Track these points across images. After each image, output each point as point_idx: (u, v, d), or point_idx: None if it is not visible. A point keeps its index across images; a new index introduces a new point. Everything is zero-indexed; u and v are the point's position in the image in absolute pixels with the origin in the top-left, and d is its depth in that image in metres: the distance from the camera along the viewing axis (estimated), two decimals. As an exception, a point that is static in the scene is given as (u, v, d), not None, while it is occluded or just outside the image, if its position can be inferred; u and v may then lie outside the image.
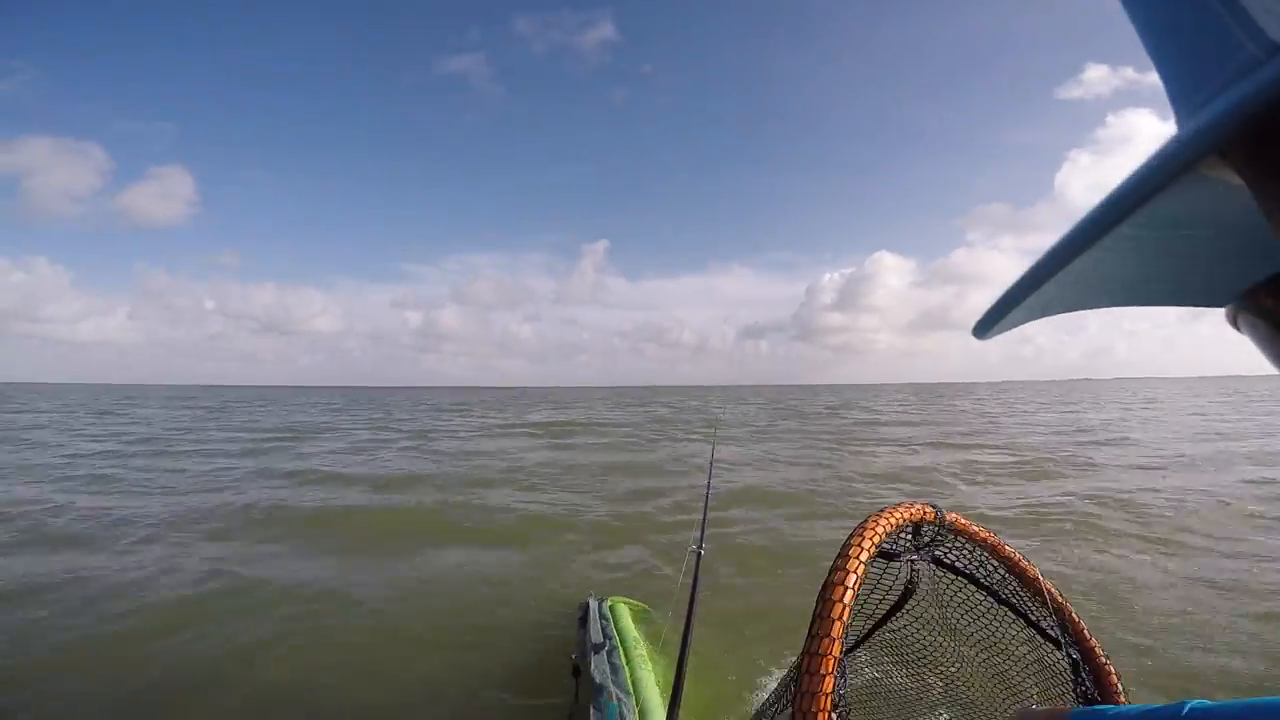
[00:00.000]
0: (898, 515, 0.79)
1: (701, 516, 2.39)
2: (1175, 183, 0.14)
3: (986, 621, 0.99)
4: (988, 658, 1.00)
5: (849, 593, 0.63)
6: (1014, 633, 0.98)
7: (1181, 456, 11.38)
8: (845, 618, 0.61)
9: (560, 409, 35.67)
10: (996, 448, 13.49)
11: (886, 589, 0.93)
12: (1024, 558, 0.97)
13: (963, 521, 0.92)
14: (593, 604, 3.44)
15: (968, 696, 1.04)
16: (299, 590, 4.73)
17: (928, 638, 1.04)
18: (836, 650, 0.58)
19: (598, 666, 2.67)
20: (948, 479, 9.77)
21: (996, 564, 0.97)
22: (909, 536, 0.87)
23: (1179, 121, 0.19)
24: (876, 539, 0.72)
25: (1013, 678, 0.99)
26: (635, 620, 3.32)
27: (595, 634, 3.02)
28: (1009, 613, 0.98)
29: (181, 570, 5.21)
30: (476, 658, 3.54)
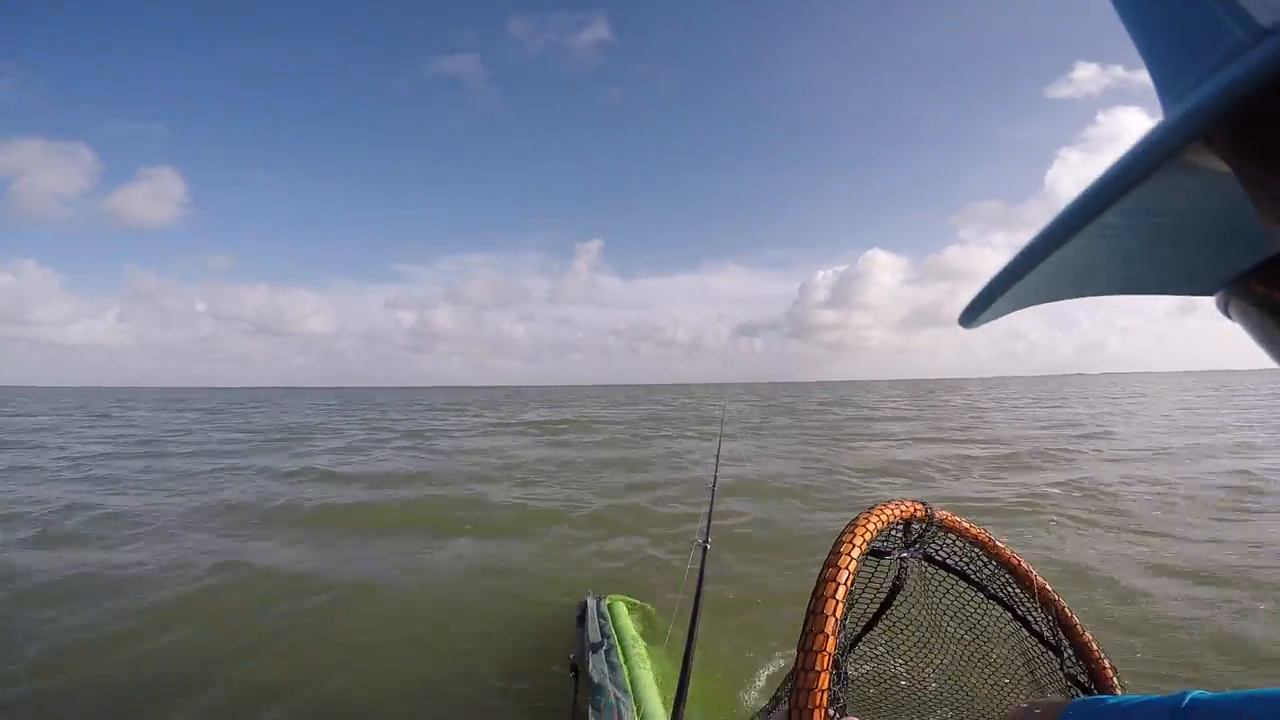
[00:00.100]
0: (888, 513, 0.80)
1: (707, 510, 2.38)
2: (1161, 170, 0.14)
3: (979, 617, 1.00)
4: (983, 652, 1.00)
5: (841, 589, 0.64)
6: (1008, 628, 0.98)
7: (1158, 448, 11.60)
8: (839, 614, 0.61)
9: (555, 408, 35.66)
10: (984, 442, 13.64)
11: (878, 587, 0.94)
12: (1015, 553, 0.97)
13: (953, 518, 0.92)
14: (590, 602, 3.44)
15: (965, 690, 1.05)
16: (298, 588, 4.74)
17: (921, 633, 1.04)
18: (831, 647, 0.59)
19: (596, 665, 2.67)
20: (934, 472, 9.94)
21: (988, 560, 0.97)
22: (900, 534, 0.87)
23: (1165, 109, 0.19)
24: (868, 536, 0.73)
25: (1009, 670, 0.99)
26: (633, 618, 3.32)
27: (593, 633, 3.02)
28: (997, 607, 0.98)
29: (185, 567, 5.24)
30: (475, 656, 3.54)
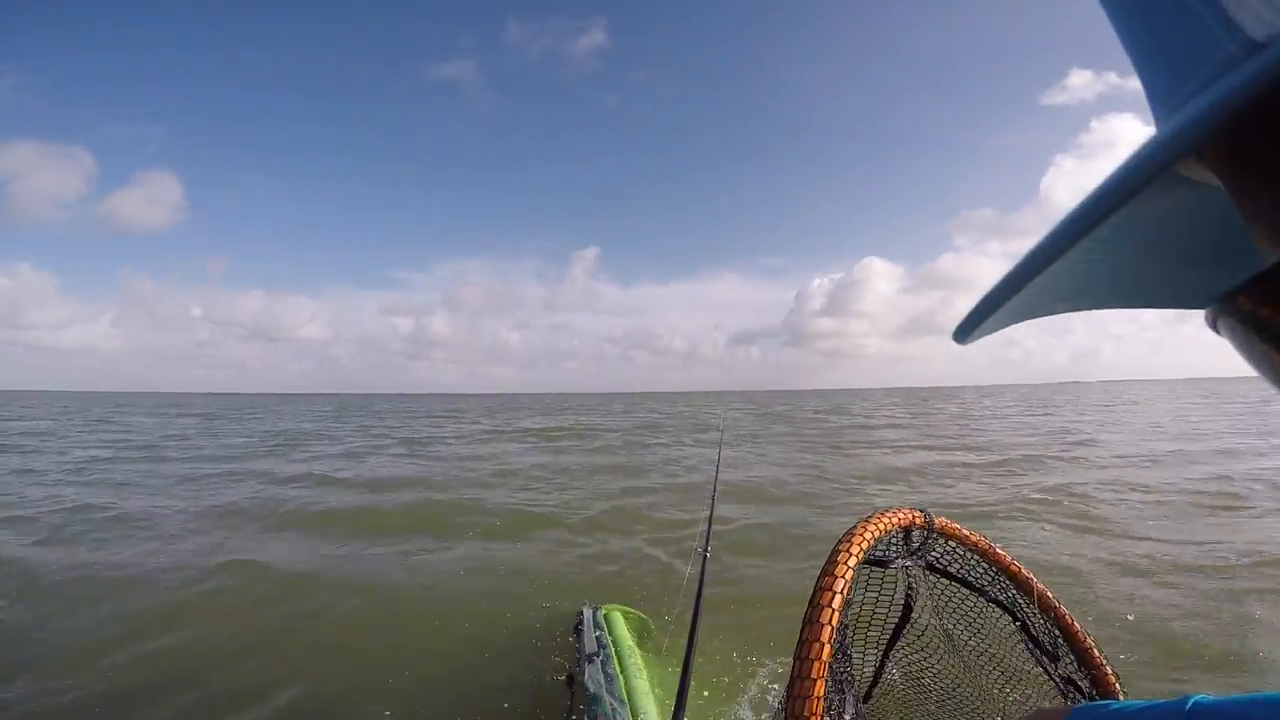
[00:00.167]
0: (885, 521, 0.79)
1: (707, 518, 2.37)
2: (1153, 184, 0.14)
3: (982, 624, 1.00)
4: (989, 658, 1.00)
5: (837, 598, 0.64)
6: (1011, 635, 0.98)
7: (1143, 455, 11.73)
8: (835, 623, 0.61)
9: (551, 415, 35.65)
10: (975, 449, 13.77)
11: (890, 600, 0.93)
12: (1015, 560, 0.97)
13: (953, 526, 0.91)
14: (587, 612, 3.43)
15: (971, 696, 1.04)
16: (296, 591, 4.77)
17: (926, 639, 1.04)
18: (827, 655, 0.59)
19: (592, 676, 2.65)
20: (926, 477, 10.11)
21: (988, 567, 0.97)
22: (900, 542, 0.87)
23: (1158, 122, 0.19)
24: (864, 545, 0.73)
25: (1015, 676, 0.99)
26: (630, 628, 3.31)
27: (590, 643, 3.01)
28: (1002, 614, 0.98)
29: (187, 568, 5.29)
30: (470, 665, 3.53)
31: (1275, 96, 0.13)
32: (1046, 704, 0.93)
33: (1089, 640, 0.92)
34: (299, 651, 3.74)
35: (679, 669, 1.44)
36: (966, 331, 0.27)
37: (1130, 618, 3.94)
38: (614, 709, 2.37)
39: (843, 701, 0.74)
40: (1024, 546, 5.57)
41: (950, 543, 0.93)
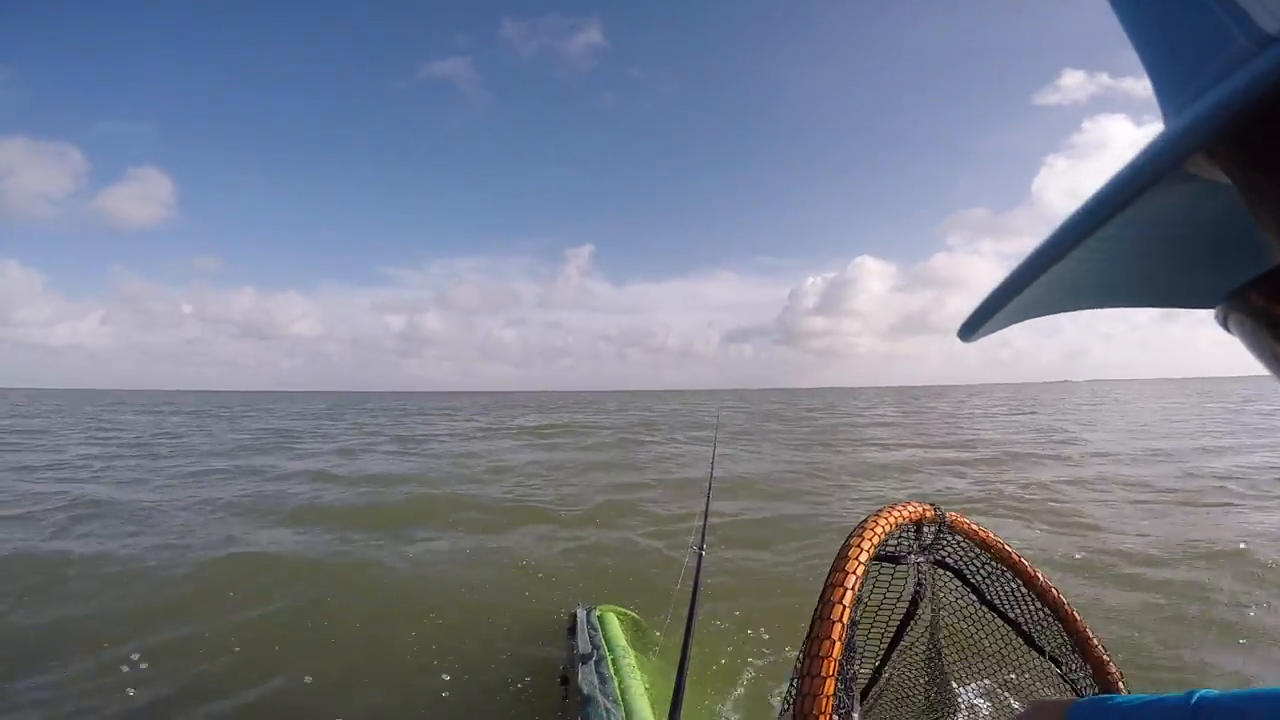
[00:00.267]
0: (896, 515, 0.78)
1: (702, 516, 2.33)
2: (1161, 182, 0.13)
3: (987, 620, 1.00)
4: (994, 654, 1.00)
5: (849, 595, 0.63)
6: (1016, 635, 0.98)
7: (1122, 453, 12.06)
8: (845, 619, 0.61)
9: (545, 413, 35.76)
10: (959, 446, 14.08)
11: (898, 595, 0.92)
12: (1023, 557, 0.97)
13: (963, 521, 0.91)
14: (580, 613, 3.40)
15: (978, 692, 1.05)
16: (293, 585, 4.79)
17: (932, 635, 1.04)
18: (837, 653, 0.58)
19: (585, 677, 2.64)
20: (911, 473, 10.41)
21: (996, 563, 0.97)
22: (911, 538, 0.86)
23: (1167, 119, 0.18)
24: (875, 540, 0.72)
25: (1021, 673, 0.99)
26: (624, 629, 3.29)
27: (583, 644, 3.00)
28: (1006, 603, 0.98)
29: (185, 562, 5.37)
30: (465, 664, 3.51)
31: None
32: (1052, 694, 0.94)
33: (1095, 639, 0.92)
34: (294, 645, 3.78)
35: (674, 666, 1.44)
36: (971, 330, 0.26)
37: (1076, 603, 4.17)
38: (608, 710, 2.36)
39: (851, 700, 0.75)
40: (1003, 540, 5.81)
41: (959, 538, 0.93)
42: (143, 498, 8.36)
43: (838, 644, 0.58)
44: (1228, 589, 4.31)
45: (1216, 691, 0.50)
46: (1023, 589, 0.97)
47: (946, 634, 1.02)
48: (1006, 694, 1.01)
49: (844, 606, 0.61)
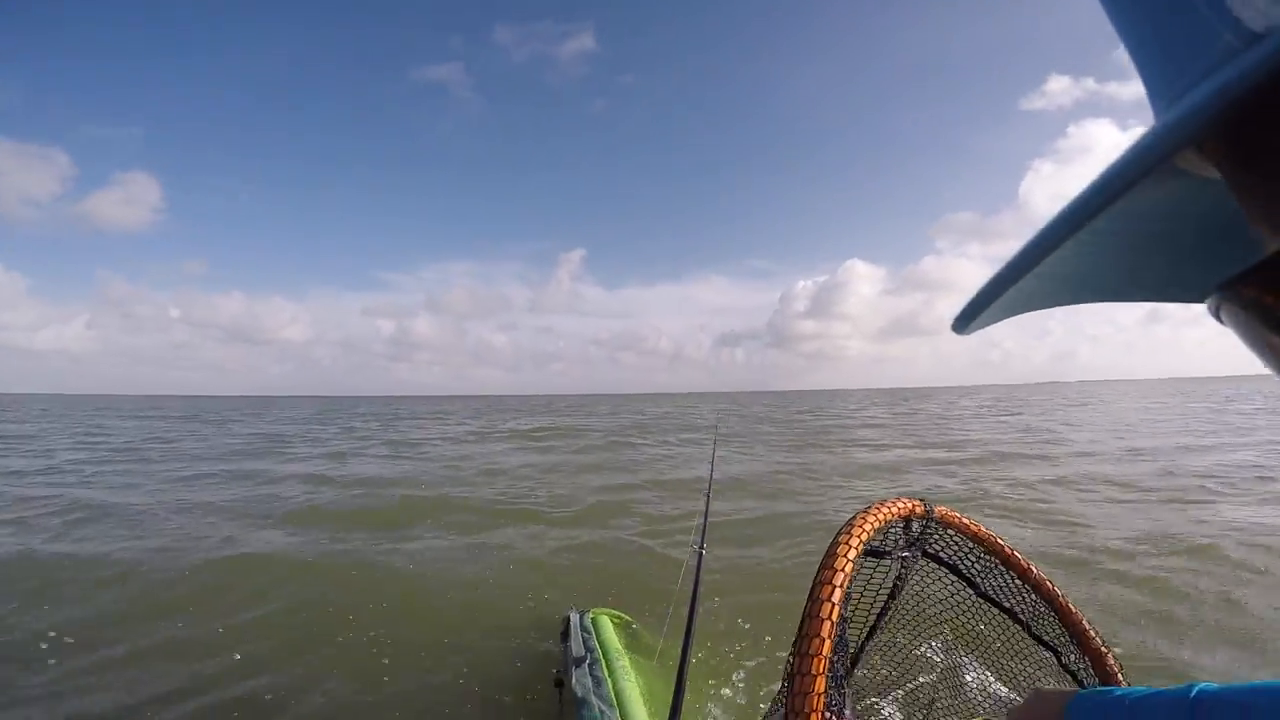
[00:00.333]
0: (885, 511, 0.78)
1: (702, 516, 2.31)
2: (1151, 176, 0.14)
3: (981, 612, 1.00)
4: (988, 645, 1.01)
5: (837, 592, 0.63)
6: (1011, 626, 0.99)
7: (1102, 451, 12.35)
8: (834, 617, 0.61)
9: (536, 416, 35.73)
10: (948, 446, 14.31)
11: (879, 585, 0.92)
12: (1015, 550, 0.97)
13: (953, 515, 0.91)
14: (574, 616, 3.38)
15: (972, 684, 1.05)
16: (287, 586, 4.81)
17: (924, 627, 1.04)
18: (827, 650, 0.58)
19: (579, 680, 2.64)
20: (897, 472, 10.63)
21: (988, 556, 0.97)
22: (899, 533, 0.86)
23: (1157, 115, 0.19)
24: (864, 536, 0.72)
25: (1014, 663, 0.99)
26: (618, 631, 3.29)
27: (577, 647, 2.99)
28: (1000, 595, 0.98)
29: (179, 563, 5.38)
30: (459, 666, 3.49)
31: (1274, 88, 0.13)
32: (1051, 683, 0.94)
33: (1092, 630, 0.92)
34: (285, 647, 3.78)
35: (670, 668, 1.41)
36: (965, 322, 0.27)
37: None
38: (603, 712, 2.37)
39: (843, 696, 0.76)
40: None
41: (950, 532, 0.93)
42: (135, 501, 8.31)
43: (827, 642, 0.58)
44: (1202, 584, 4.42)
45: (1216, 685, 0.50)
46: (1017, 581, 0.97)
47: (938, 626, 1.02)
48: (999, 685, 1.01)
49: (833, 604, 0.61)
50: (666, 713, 2.45)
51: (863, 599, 0.91)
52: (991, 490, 8.37)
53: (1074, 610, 0.94)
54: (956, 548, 0.96)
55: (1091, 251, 0.23)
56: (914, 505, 0.84)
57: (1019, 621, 0.96)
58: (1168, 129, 0.14)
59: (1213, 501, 7.17)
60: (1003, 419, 23.87)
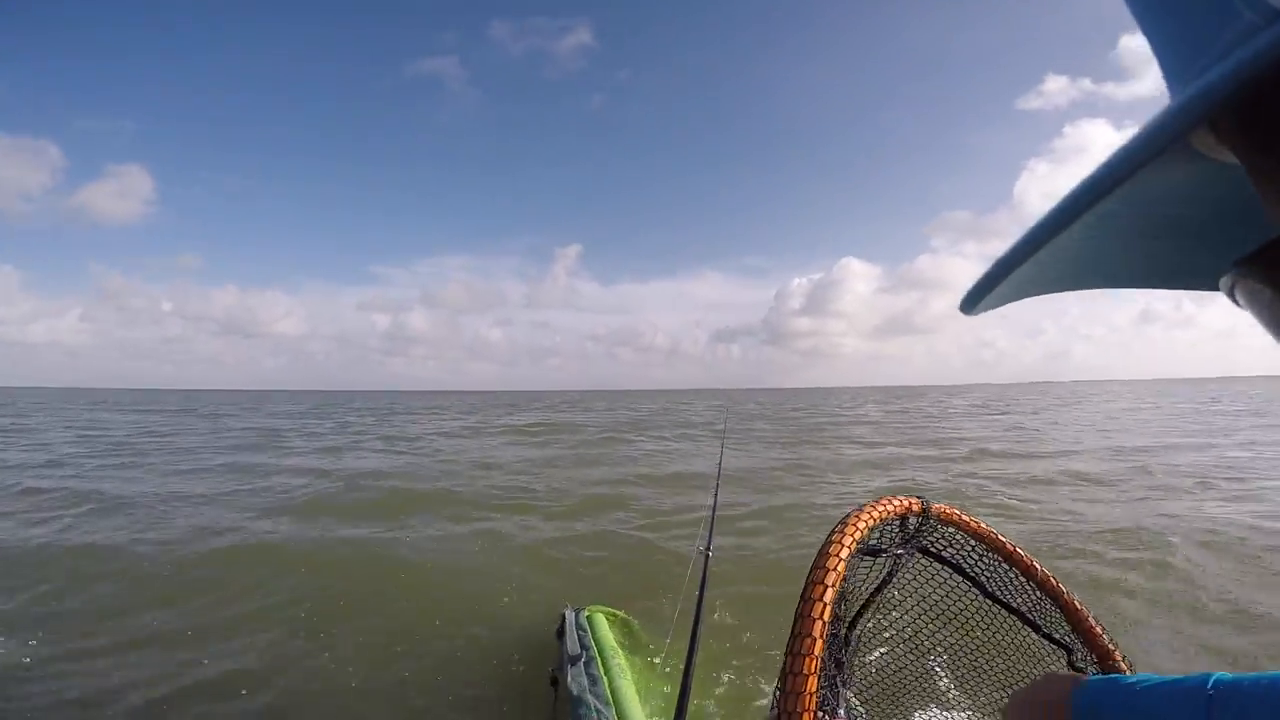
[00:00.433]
0: (880, 510, 0.77)
1: (709, 516, 2.28)
2: (1166, 157, 0.13)
3: (979, 609, 0.98)
4: (987, 642, 0.99)
5: (830, 591, 0.62)
6: (1010, 621, 0.97)
7: (1084, 448, 12.70)
8: (826, 617, 0.60)
9: (532, 412, 35.82)
10: (934, 443, 14.59)
11: (864, 577, 0.90)
12: (1018, 547, 0.95)
13: (952, 512, 0.89)
14: (569, 614, 3.37)
15: (971, 679, 1.04)
16: (284, 577, 4.83)
17: (920, 624, 1.02)
18: (819, 650, 0.58)
19: (575, 678, 2.63)
20: (887, 467, 10.90)
21: (989, 552, 0.95)
22: (895, 530, 0.84)
23: (1173, 96, 0.18)
24: (858, 535, 0.71)
25: (1012, 661, 0.98)
26: (613, 630, 3.28)
27: (572, 645, 2.98)
28: (1004, 592, 0.97)
29: (186, 551, 5.52)
30: (454, 663, 3.49)
31: None
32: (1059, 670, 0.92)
33: (1098, 627, 0.90)
34: (281, 636, 3.84)
35: (670, 666, 1.40)
36: (973, 303, 0.26)
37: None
38: (599, 710, 2.36)
39: (836, 696, 0.75)
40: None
41: (949, 529, 0.92)
42: (136, 492, 8.40)
43: (819, 642, 0.58)
44: (1133, 576, 4.58)
45: (1231, 674, 0.50)
46: (1020, 578, 0.95)
47: (939, 624, 1.00)
48: (1001, 684, 0.99)
49: (824, 604, 0.61)
50: (662, 710, 2.51)
51: (858, 598, 0.91)
52: (965, 485, 8.63)
53: (1080, 607, 0.92)
54: (958, 546, 0.95)
55: (1102, 235, 0.23)
56: (910, 503, 0.82)
57: (1027, 621, 0.95)
58: (1182, 106, 0.13)
59: (1184, 497, 7.41)
60: (995, 417, 24.12)
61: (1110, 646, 0.88)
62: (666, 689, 2.76)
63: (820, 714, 0.56)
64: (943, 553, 0.94)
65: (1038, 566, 0.94)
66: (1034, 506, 7.17)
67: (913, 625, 1.01)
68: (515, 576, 4.95)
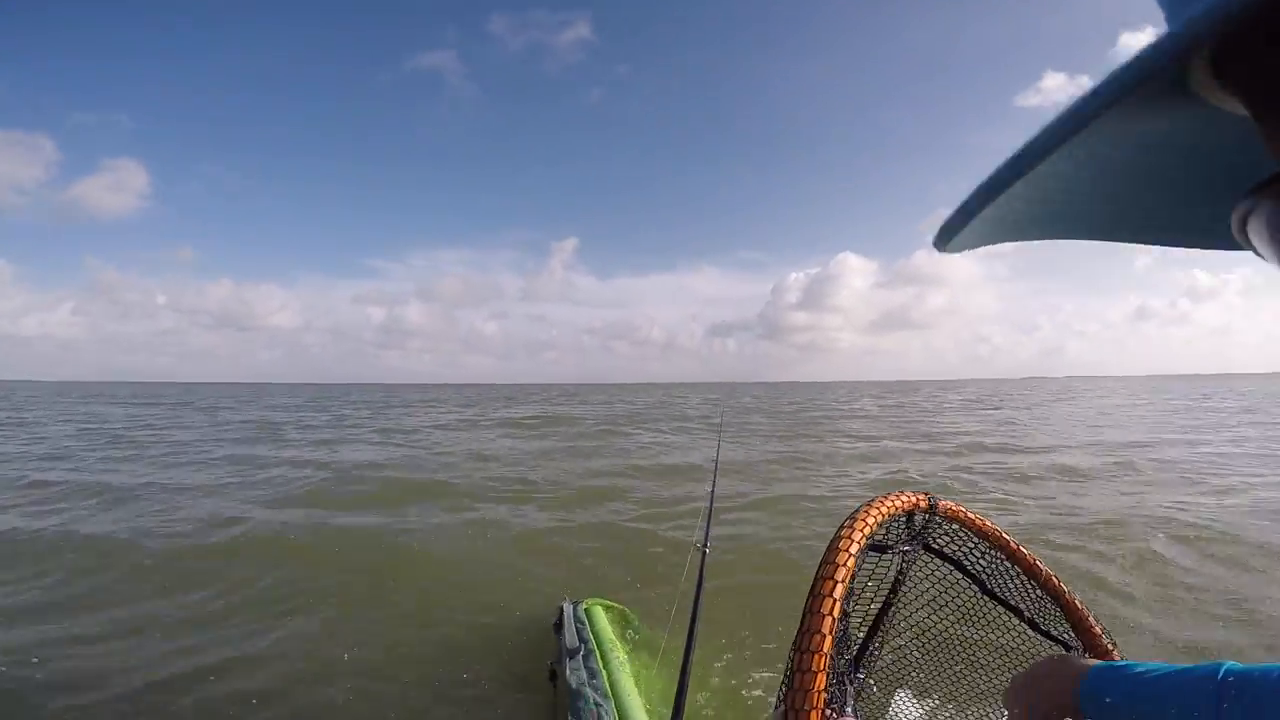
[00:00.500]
0: (888, 506, 0.77)
1: (705, 513, 2.29)
2: (1165, 101, 0.13)
3: (983, 606, 0.99)
4: (990, 640, 1.00)
5: (839, 588, 0.62)
6: (1013, 619, 0.98)
7: (1071, 443, 12.90)
8: (835, 614, 0.60)
9: (529, 405, 35.84)
10: (926, 437, 14.78)
11: (880, 580, 0.91)
12: (1021, 545, 0.96)
13: (957, 509, 0.89)
14: (567, 608, 3.36)
15: (973, 676, 1.04)
16: (279, 570, 4.86)
17: (923, 620, 1.03)
18: (827, 647, 0.57)
19: (574, 671, 2.62)
20: (882, 460, 11.04)
21: (991, 549, 0.95)
22: (901, 527, 0.84)
23: (1171, 24, 0.17)
24: (867, 531, 0.70)
25: (1017, 657, 0.98)
26: (612, 622, 3.27)
27: (571, 638, 2.97)
28: (1005, 590, 0.97)
29: (174, 548, 5.50)
30: (451, 656, 3.48)
31: None
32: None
33: (1098, 627, 0.91)
34: (276, 624, 3.87)
35: (670, 662, 1.37)
36: (948, 236, 0.25)
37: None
38: (598, 704, 2.36)
39: (844, 694, 0.75)
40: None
41: (954, 526, 0.92)
42: (137, 484, 8.44)
43: (828, 638, 0.58)
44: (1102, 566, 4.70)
45: (1242, 665, 0.50)
46: (1022, 576, 0.96)
47: (942, 621, 1.01)
48: (1003, 682, 0.97)
49: (834, 600, 0.61)
50: (662, 704, 2.50)
51: (863, 594, 0.90)
52: (957, 478, 8.73)
53: (1080, 606, 0.93)
54: (961, 542, 0.95)
55: (1093, 179, 0.22)
56: (918, 499, 0.82)
57: (1024, 618, 0.95)
58: (1177, 32, 0.13)
59: (1156, 492, 7.55)
60: (987, 412, 24.27)
61: (1109, 646, 0.89)
62: (665, 683, 2.78)
63: (828, 711, 0.56)
64: (945, 549, 0.95)
65: (1041, 565, 0.95)
66: (1018, 499, 7.29)
67: (912, 620, 1.02)
68: (512, 567, 4.97)
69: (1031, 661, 0.77)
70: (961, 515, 0.90)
